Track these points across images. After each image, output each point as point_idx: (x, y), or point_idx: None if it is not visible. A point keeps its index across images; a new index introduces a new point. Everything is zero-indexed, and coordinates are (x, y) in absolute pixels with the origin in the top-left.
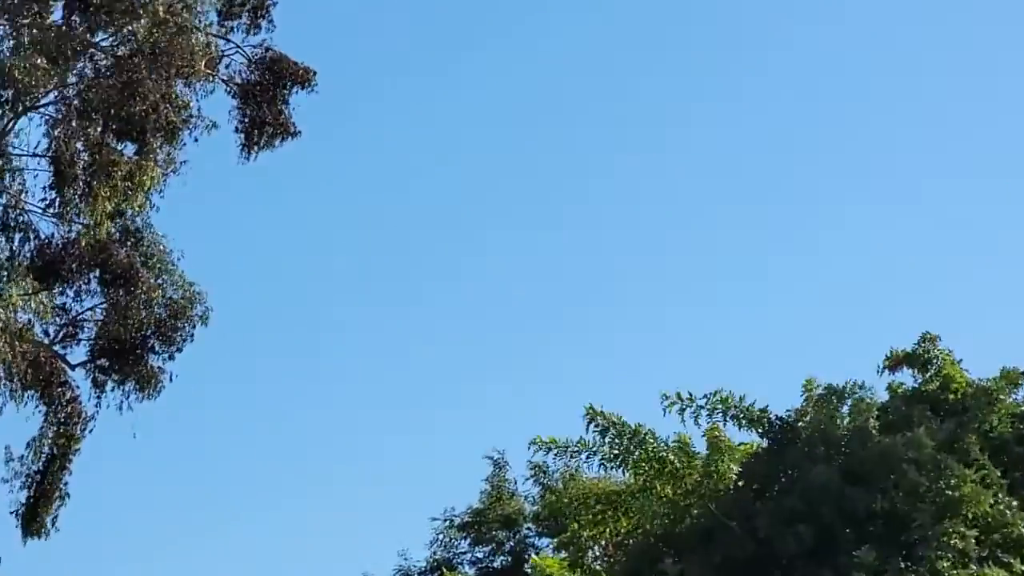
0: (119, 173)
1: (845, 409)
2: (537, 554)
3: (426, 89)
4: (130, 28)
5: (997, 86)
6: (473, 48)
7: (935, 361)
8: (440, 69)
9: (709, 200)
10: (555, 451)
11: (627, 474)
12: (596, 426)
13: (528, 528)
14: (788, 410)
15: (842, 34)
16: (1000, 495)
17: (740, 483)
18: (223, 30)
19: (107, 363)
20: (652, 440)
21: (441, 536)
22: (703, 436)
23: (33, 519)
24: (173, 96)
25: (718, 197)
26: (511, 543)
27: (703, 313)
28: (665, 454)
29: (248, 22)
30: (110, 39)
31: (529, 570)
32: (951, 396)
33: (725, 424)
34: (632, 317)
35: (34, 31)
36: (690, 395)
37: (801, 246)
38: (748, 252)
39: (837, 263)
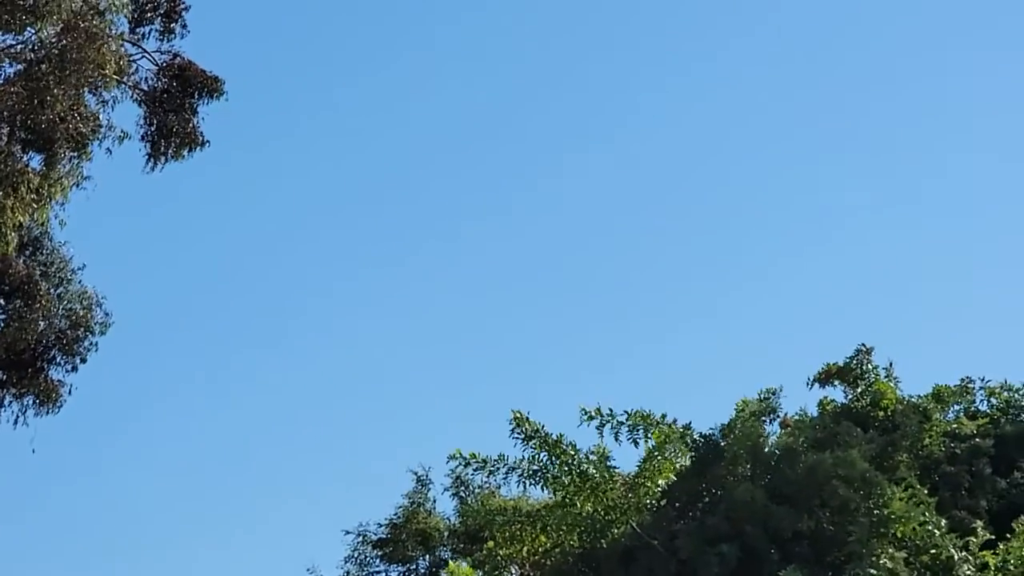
0: (26, 185)
1: (772, 427)
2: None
3: (357, 96)
4: (36, 32)
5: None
6: (407, 51)
7: (866, 376)
8: (368, 74)
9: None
10: (475, 466)
11: (546, 491)
12: (521, 432)
13: (444, 547)
14: (712, 428)
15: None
16: (928, 514)
17: (662, 501)
18: (136, 37)
19: (4, 376)
20: (572, 452)
21: (356, 553)
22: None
23: None
24: (82, 107)
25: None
26: (426, 562)
27: (660, 328)
28: (586, 467)
29: (161, 28)
30: (16, 43)
31: None
32: (880, 413)
33: (646, 441)
34: (576, 334)
35: None
36: (610, 411)
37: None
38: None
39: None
